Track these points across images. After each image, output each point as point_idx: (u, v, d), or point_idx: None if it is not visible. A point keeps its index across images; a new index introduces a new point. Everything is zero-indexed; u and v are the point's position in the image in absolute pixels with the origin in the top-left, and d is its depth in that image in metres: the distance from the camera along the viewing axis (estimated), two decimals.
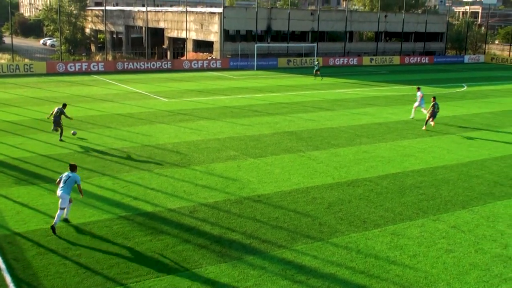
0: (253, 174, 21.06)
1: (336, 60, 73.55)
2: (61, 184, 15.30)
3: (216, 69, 63.65)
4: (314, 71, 56.09)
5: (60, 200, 15.14)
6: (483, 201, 18.70)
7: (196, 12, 73.57)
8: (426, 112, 31.35)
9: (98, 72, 56.96)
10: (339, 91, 46.27)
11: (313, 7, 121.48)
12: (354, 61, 75.43)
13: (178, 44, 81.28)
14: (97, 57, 75.87)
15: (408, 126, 31.47)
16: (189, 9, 72.48)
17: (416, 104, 33.57)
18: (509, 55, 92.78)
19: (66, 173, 15.59)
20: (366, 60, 76.57)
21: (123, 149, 24.41)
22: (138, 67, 60.37)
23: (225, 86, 48.27)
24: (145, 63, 61.38)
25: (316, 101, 40.29)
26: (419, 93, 33.33)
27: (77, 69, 57.00)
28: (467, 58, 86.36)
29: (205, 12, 72.08)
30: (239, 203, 17.83)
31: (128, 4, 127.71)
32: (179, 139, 26.61)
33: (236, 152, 24.45)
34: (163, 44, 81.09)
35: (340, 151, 25.21)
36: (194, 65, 63.71)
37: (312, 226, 16.06)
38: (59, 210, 15.12)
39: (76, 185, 15.54)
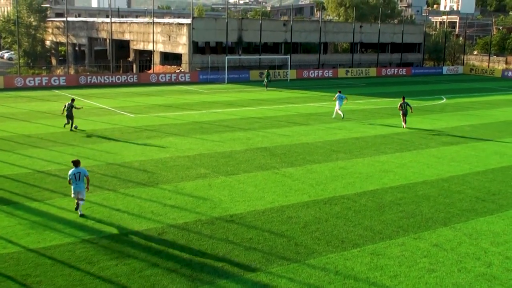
0: (225, 192, 20.96)
1: (310, 72, 74.09)
2: (74, 181, 17.96)
3: (184, 83, 63.56)
4: (266, 82, 57.95)
5: (78, 195, 18.02)
6: (465, 217, 18.87)
7: (163, 23, 73.51)
8: (340, 112, 38.79)
9: (59, 87, 56.41)
10: (314, 105, 46.52)
11: (285, 18, 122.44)
12: (329, 73, 76.07)
13: (145, 57, 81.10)
14: (58, 71, 75.21)
15: (387, 141, 31.73)
16: (156, 20, 72.45)
17: (337, 106, 39.11)
18: (488, 66, 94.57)
19: (72, 170, 18.02)
20: (341, 72, 77.30)
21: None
22: (102, 81, 59.97)
23: (194, 100, 48.19)
24: (110, 76, 61.01)
25: (290, 116, 40.43)
26: (337, 95, 39.29)
27: (36, 84, 56.40)
28: (445, 69, 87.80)
29: (172, 23, 72.07)
30: (211, 223, 17.70)
31: (91, 15, 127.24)
32: (146, 157, 26.40)
33: (207, 170, 24.34)
34: (129, 57, 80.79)
35: (316, 167, 25.26)
36: (162, 78, 63.54)
37: (288, 247, 16.00)
38: (81, 201, 18.12)
39: (85, 177, 18.11)
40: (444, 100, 52.56)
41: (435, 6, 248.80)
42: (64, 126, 33.35)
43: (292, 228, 17.47)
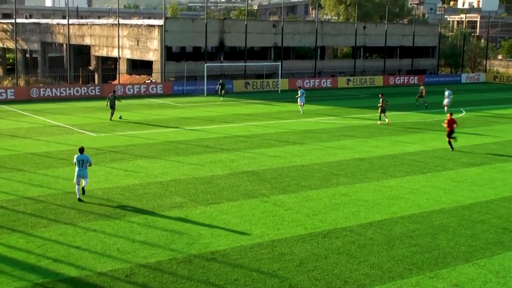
0: (205, 225, 20.94)
1: (305, 82, 74.48)
2: (79, 167, 23.46)
3: (156, 95, 63.66)
4: (222, 91, 59.96)
5: (83, 178, 23.74)
6: (490, 252, 18.96)
7: (131, 25, 73.71)
8: (301, 108, 50.14)
9: (6, 101, 56.31)
10: (310, 120, 46.74)
11: (275, 18, 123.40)
12: (327, 82, 76.55)
13: (109, 65, 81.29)
14: (6, 82, 75.18)
15: (396, 162, 31.92)
16: (121, 21, 72.67)
17: (301, 103, 50.36)
18: None
19: (78, 156, 23.60)
20: (342, 81, 77.81)
21: (40, 197, 24.03)
22: (58, 94, 59.94)
23: (168, 116, 48.25)
24: (67, 89, 61.00)
25: (282, 133, 40.59)
26: (299, 92, 50.71)
27: None
28: (464, 77, 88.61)
29: (141, 24, 72.32)
30: (188, 262, 17.67)
31: (44, 16, 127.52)
32: (111, 184, 26.35)
33: (183, 198, 24.33)
34: (90, 65, 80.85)
35: (312, 194, 25.32)
36: (129, 90, 63.62)
37: None
38: (84, 182, 24.07)
39: (88, 164, 23.70)
40: (464, 113, 53.00)
41: (451, 3, 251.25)
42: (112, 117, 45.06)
43: (285, 266, 17.48)
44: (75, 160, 23.74)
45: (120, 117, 45.75)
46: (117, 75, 70.15)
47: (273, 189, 26.02)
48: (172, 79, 68.70)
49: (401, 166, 31.05)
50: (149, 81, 68.02)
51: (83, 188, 24.30)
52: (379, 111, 45.28)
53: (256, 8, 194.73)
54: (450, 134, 35.44)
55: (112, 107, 45.10)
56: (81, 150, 23.80)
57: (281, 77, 71.46)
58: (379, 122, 44.20)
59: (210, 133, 40.29)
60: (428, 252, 18.77)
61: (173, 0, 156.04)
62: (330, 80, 77.27)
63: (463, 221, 22.03)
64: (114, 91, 47.10)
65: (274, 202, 23.96)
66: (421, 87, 58.13)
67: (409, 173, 29.41)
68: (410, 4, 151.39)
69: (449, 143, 35.52)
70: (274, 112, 52.01)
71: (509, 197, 25.37)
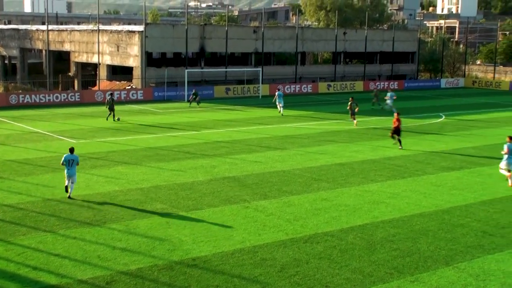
0: (186, 231, 20.89)
1: (286, 87, 74.56)
2: (67, 167, 24.49)
3: (137, 101, 63.48)
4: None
5: (71, 178, 24.66)
6: (470, 255, 19.07)
7: (111, 31, 73.46)
8: (280, 109, 53.61)
9: None
10: (291, 126, 46.81)
11: (256, 23, 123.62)
12: (308, 88, 76.72)
13: (89, 71, 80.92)
14: None
15: (377, 167, 32.03)
16: (101, 27, 72.40)
17: (279, 103, 53.52)
18: (494, 77, 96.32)
19: (66, 156, 24.76)
20: (322, 86, 78.02)
21: (19, 204, 23.85)
22: (37, 100, 59.58)
23: (148, 122, 48.12)
24: (46, 95, 60.65)
25: (263, 138, 40.61)
26: (277, 93, 54.20)
27: None
28: (444, 82, 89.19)
29: (122, 30, 72.10)
30: (169, 269, 17.61)
31: (23, 22, 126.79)
32: (91, 191, 26.22)
33: (164, 204, 24.26)
34: (69, 71, 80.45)
35: (294, 199, 25.34)
36: (109, 96, 63.30)
37: None
38: (72, 185, 24.81)
39: (76, 163, 24.86)
40: (443, 118, 53.31)
41: (430, 8, 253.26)
42: (107, 119, 47.75)
43: (266, 272, 17.47)
44: (63, 160, 24.79)
45: (119, 119, 48.20)
46: (97, 81, 69.86)
47: (254, 194, 26.01)
48: (153, 85, 68.53)
49: (381, 170, 31.17)
50: (129, 87, 67.79)
51: (67, 188, 25.14)
52: (351, 114, 47.41)
53: (236, 14, 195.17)
54: (397, 132, 37.37)
55: (111, 109, 47.92)
56: (71, 150, 25.07)
57: (262, 83, 71.53)
58: (354, 124, 46.60)
59: (191, 139, 40.22)
60: (408, 256, 18.84)
61: (153, 6, 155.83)
62: (310, 85, 77.44)
63: (443, 225, 22.15)
64: (111, 94, 50.64)
65: (255, 208, 23.95)
66: (375, 91, 60.30)
67: (389, 178, 29.53)
68: (390, 10, 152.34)
69: (398, 140, 37.42)
70: (255, 117, 52.03)
71: (488, 201, 25.54)
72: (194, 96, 59.98)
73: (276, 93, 54.83)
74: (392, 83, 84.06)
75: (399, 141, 37.48)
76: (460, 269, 17.90)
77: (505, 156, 28.02)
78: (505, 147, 27.95)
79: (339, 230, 21.36)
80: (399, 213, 23.53)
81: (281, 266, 17.93)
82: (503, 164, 28.34)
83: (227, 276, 17.18)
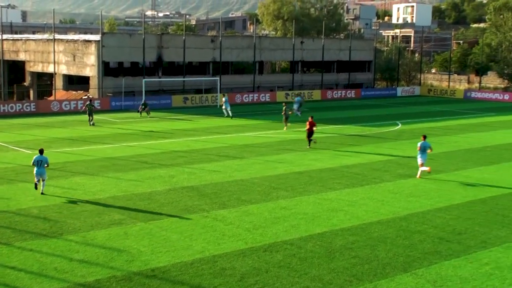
0: (145, 242, 20.74)
1: (244, 96, 74.72)
2: (37, 166, 26.89)
3: (93, 111, 62.85)
4: (144, 109, 59.18)
5: (41, 176, 27.06)
6: (427, 261, 19.26)
7: (67, 40, 72.82)
8: (226, 113, 57.06)
9: None
10: (249, 135, 46.86)
11: (213, 33, 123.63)
12: (266, 97, 76.93)
13: (44, 81, 79.95)
14: None
15: (335, 175, 32.22)
16: (57, 36, 71.74)
17: (224, 106, 57.32)
18: (449, 86, 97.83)
19: (36, 157, 27.04)
20: (280, 95, 78.27)
21: None
22: None
23: (105, 132, 47.73)
24: (1, 105, 59.81)
25: (222, 148, 40.56)
26: (224, 98, 58.45)
27: None
28: (400, 91, 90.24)
29: (78, 40, 71.50)
30: (128, 280, 17.45)
31: None
32: (48, 202, 25.89)
33: (122, 215, 24.06)
34: (24, 81, 79.45)
35: (253, 208, 25.34)
36: (66, 106, 62.71)
37: None
38: (43, 182, 27.25)
39: (46, 164, 27.06)
40: (400, 126, 53.91)
41: (386, 18, 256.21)
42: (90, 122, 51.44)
43: (226, 281, 17.41)
44: (33, 160, 27.09)
45: (93, 124, 51.74)
46: (53, 91, 69.13)
47: (213, 204, 25.95)
48: (110, 94, 67.99)
49: (340, 178, 31.36)
50: (86, 97, 67.16)
51: (36, 186, 27.34)
52: (284, 119, 49.88)
53: (194, 23, 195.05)
54: (310, 135, 40.72)
55: (90, 114, 51.81)
56: (41, 152, 27.42)
57: (220, 92, 71.44)
58: (284, 128, 49.05)
59: (149, 148, 39.98)
60: (367, 263, 18.96)
61: (110, 15, 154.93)
62: (268, 94, 77.68)
63: (401, 231, 22.35)
64: (90, 100, 55.79)
65: (214, 217, 23.89)
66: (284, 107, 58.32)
67: (348, 186, 29.72)
68: (346, 19, 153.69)
69: (308, 141, 40.99)
70: (214, 127, 51.96)
71: (444, 208, 25.87)
72: (143, 107, 59.47)
73: (224, 99, 59.10)
74: (349, 91, 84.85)
75: (309, 141, 40.84)
76: (418, 275, 18.07)
77: (419, 153, 31.71)
78: (419, 144, 31.90)
79: (298, 238, 21.41)
80: (357, 221, 23.68)
81: (240, 275, 17.90)
82: (419, 160, 31.82)
83: (187, 286, 17.09)
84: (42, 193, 27.00)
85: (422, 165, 31.59)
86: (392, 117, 60.33)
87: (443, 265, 18.94)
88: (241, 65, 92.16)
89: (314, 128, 40.66)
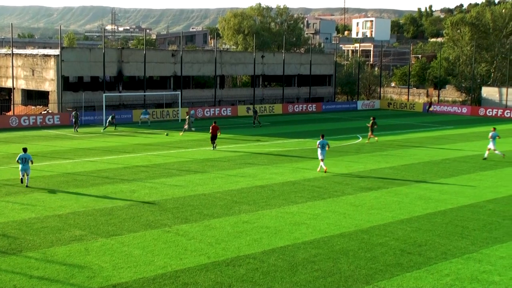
0: (106, 258, 20.53)
1: (205, 110, 74.73)
2: (22, 163, 31.42)
3: (53, 126, 62.28)
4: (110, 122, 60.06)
5: (26, 171, 31.63)
6: (389, 274, 19.39)
7: (26, 55, 72.18)
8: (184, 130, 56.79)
9: None
10: (211, 149, 46.78)
11: (174, 47, 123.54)
12: (227, 111, 77.01)
13: (2, 96, 78.97)
14: None
15: (297, 188, 32.31)
16: (16, 51, 71.03)
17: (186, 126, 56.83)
18: (408, 99, 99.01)
19: (21, 155, 31.58)
20: (241, 109, 78.45)
21: None
22: None
23: (65, 147, 47.25)
24: None
25: (183, 162, 40.44)
26: (191, 112, 60.46)
27: None
28: (360, 104, 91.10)
29: (37, 54, 70.92)
30: None
31: None
32: (6, 218, 25.50)
33: (83, 231, 23.80)
34: None
35: (215, 222, 25.27)
36: (24, 121, 62.01)
37: None
38: (27, 176, 31.82)
39: (29, 161, 31.76)
40: (360, 139, 54.36)
41: (346, 32, 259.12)
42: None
43: None
44: (18, 158, 31.65)
45: (77, 131, 58.11)
46: (12, 106, 68.29)
47: (175, 218, 25.82)
48: (70, 109, 67.42)
49: (302, 192, 31.46)
50: (45, 111, 66.51)
51: (22, 180, 31.97)
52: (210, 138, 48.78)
53: (154, 37, 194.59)
54: (213, 138, 46.32)
55: (76, 122, 58.69)
56: (25, 150, 32.20)
57: (181, 106, 71.37)
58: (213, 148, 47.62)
59: (109, 163, 39.68)
60: (330, 276, 19.02)
61: (69, 30, 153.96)
62: (230, 108, 77.80)
63: (363, 244, 22.48)
64: (76, 109, 63.49)
65: (176, 232, 23.77)
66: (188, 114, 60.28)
67: (309, 199, 29.82)
68: (307, 34, 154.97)
69: (212, 144, 46.52)
70: (175, 141, 51.80)
71: (406, 220, 26.10)
72: (112, 120, 59.57)
73: (189, 115, 58.97)
74: (310, 105, 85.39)
75: (213, 144, 46.45)
76: None
77: (318, 149, 37.12)
78: (318, 142, 37.19)
79: (261, 252, 21.40)
80: (319, 234, 23.76)
81: None
82: (319, 156, 37.14)
83: None
84: (27, 186, 31.41)
85: (322, 160, 37.01)
86: (353, 131, 60.82)
87: (405, 277, 19.08)
88: (202, 79, 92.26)
89: (219, 133, 46.59)
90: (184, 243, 22.40)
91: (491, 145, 42.57)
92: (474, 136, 57.12)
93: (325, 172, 36.63)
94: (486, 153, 42.90)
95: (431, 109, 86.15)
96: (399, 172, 37.55)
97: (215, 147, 46.58)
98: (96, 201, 28.90)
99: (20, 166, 31.78)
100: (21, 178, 31.94)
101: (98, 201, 28.92)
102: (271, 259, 20.60)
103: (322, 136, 37.41)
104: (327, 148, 37.14)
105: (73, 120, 58.99)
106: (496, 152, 42.64)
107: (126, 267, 19.69)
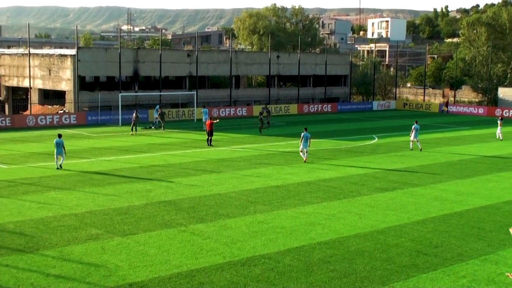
0: (122, 257, 20.61)
1: (221, 110, 74.72)
2: (57, 147, 36.65)
3: (70, 126, 62.55)
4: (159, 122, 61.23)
5: (60, 155, 36.92)
6: (405, 275, 19.33)
7: (43, 55, 72.50)
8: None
9: None
10: (226, 149, 46.83)
11: (190, 47, 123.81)
12: (243, 111, 77.00)
13: (20, 95, 79.38)
14: None
15: (312, 188, 32.28)
16: (33, 51, 71.40)
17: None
18: (424, 100, 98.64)
19: (56, 140, 36.67)
20: (257, 110, 78.33)
21: None
22: None
23: (82, 146, 47.46)
24: None
25: (199, 162, 40.49)
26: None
27: None
28: (376, 105, 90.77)
29: (53, 54, 71.21)
30: None
31: None
32: (23, 217, 25.64)
33: (99, 230, 23.89)
34: (0, 96, 78.88)
35: (230, 222, 25.29)
36: (41, 121, 62.32)
37: None
38: (62, 159, 37.12)
39: (62, 146, 36.39)
40: (376, 139, 54.20)
41: (361, 33, 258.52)
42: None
43: None
44: (54, 143, 37.04)
45: (136, 131, 57.28)
46: (29, 106, 68.68)
47: (191, 218, 25.87)
48: (86, 109, 67.70)
49: (317, 192, 31.42)
50: (62, 111, 66.82)
51: (60, 165, 37.01)
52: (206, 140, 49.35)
53: (170, 37, 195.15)
54: (210, 134, 47.86)
55: (135, 124, 57.56)
56: (60, 136, 37.23)
57: (196, 106, 71.45)
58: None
59: (126, 163, 39.81)
60: (345, 277, 18.99)
61: (85, 30, 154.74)
62: (245, 108, 77.78)
63: (379, 245, 22.43)
64: (136, 110, 60.58)
65: (192, 232, 23.81)
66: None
67: (325, 199, 29.78)
68: (322, 34, 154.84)
69: (209, 140, 47.93)
70: (190, 141, 51.89)
71: (421, 221, 26.00)
72: (160, 119, 61.02)
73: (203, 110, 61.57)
74: (325, 105, 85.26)
75: (209, 140, 47.88)
76: None
77: (301, 142, 40.69)
78: (302, 134, 40.64)
79: (276, 252, 21.39)
80: (335, 234, 23.73)
81: None
82: (300, 147, 41.08)
83: None
84: (59, 168, 36.76)
85: (302, 151, 41.12)
86: (368, 131, 60.65)
87: (421, 278, 19.01)
88: (217, 80, 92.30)
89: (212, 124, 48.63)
90: (200, 242, 22.43)
91: (412, 137, 47.08)
92: (491, 137, 56.78)
93: (304, 162, 40.38)
94: (411, 144, 47.68)
95: (446, 108, 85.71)
96: (414, 173, 37.41)
97: (210, 144, 47.92)
98: (112, 200, 29.01)
99: (55, 150, 36.69)
100: (56, 161, 37.01)
101: (114, 200, 29.02)
102: (287, 259, 20.59)
103: (305, 129, 41.27)
104: (309, 142, 40.75)
105: (133, 121, 56.78)
106: (418, 143, 46.92)
107: (142, 266, 19.75)
